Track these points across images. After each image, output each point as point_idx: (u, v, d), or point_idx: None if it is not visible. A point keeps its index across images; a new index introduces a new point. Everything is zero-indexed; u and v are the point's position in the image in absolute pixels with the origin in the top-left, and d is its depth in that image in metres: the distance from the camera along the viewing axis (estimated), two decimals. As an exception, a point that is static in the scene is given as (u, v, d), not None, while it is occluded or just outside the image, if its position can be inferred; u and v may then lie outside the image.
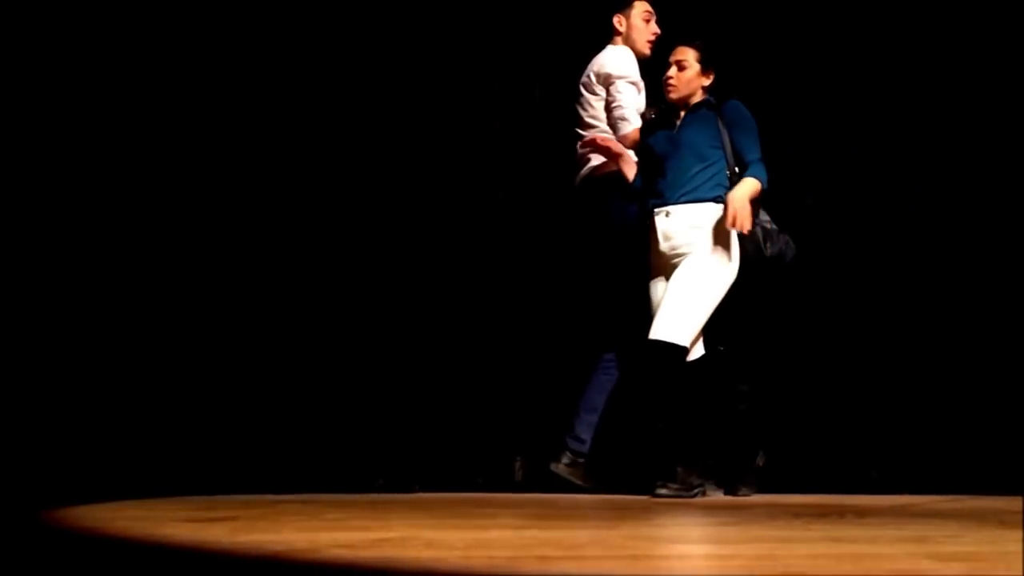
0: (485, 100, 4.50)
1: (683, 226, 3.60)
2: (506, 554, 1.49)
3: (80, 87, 4.16)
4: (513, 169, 4.47)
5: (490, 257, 4.36)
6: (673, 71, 3.73)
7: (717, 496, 3.48)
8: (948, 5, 4.09)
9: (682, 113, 3.75)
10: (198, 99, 4.28)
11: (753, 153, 3.61)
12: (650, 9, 3.97)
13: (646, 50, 3.94)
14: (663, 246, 3.62)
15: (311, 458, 4.02)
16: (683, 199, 3.62)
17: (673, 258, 3.60)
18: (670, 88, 3.71)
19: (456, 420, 4.22)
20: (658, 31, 3.95)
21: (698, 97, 3.73)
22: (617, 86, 3.83)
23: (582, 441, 3.67)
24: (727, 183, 3.63)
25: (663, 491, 3.32)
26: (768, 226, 3.60)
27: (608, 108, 3.84)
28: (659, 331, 3.49)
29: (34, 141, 4.10)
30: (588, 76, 3.90)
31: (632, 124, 3.80)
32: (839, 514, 2.36)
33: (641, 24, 3.95)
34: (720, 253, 3.56)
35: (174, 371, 4.11)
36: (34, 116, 4.10)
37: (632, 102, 3.83)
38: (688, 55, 3.72)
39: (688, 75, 3.71)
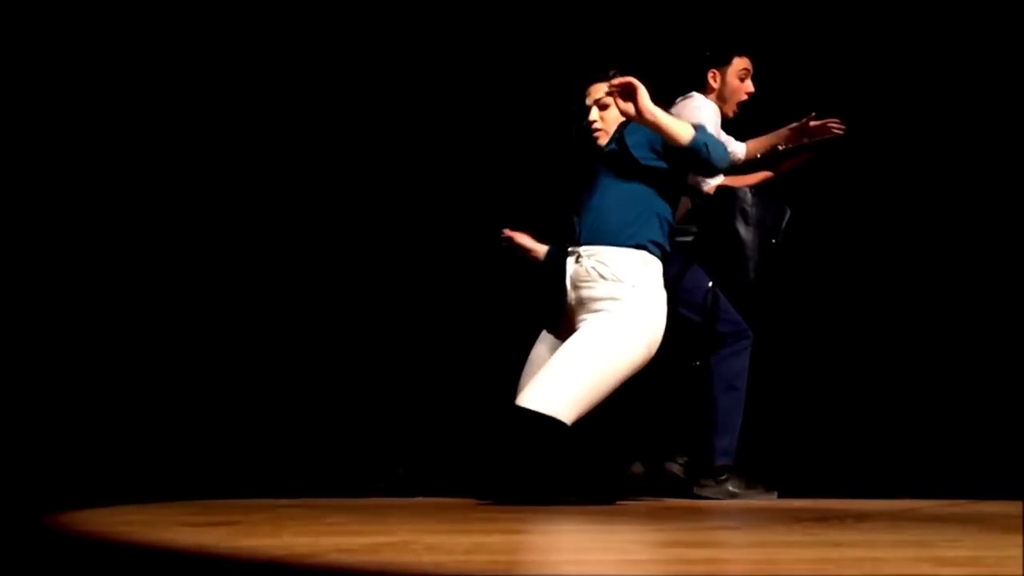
0: (486, 105, 4.50)
1: (594, 275, 2.96)
2: (506, 558, 1.49)
3: (80, 87, 4.16)
4: (518, 171, 4.46)
5: (494, 262, 4.37)
6: (595, 113, 3.15)
7: (771, 498, 3.48)
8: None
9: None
10: (198, 100, 4.29)
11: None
12: (749, 67, 3.64)
13: (731, 114, 3.65)
14: (570, 296, 3.01)
15: (312, 462, 4.02)
16: (598, 240, 3.00)
17: (579, 313, 2.98)
18: (597, 134, 3.16)
19: (457, 423, 4.22)
20: (752, 90, 3.64)
21: None
22: None
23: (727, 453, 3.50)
24: (666, 224, 3.02)
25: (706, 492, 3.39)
26: (748, 208, 3.37)
27: None
28: (533, 398, 2.78)
29: (34, 141, 4.11)
30: None
31: (716, 179, 3.49)
32: (839, 518, 2.35)
33: (736, 84, 3.63)
34: (638, 319, 2.90)
35: (174, 375, 4.11)
36: (34, 116, 4.11)
37: None
38: (606, 91, 3.10)
39: (615, 114, 3.09)
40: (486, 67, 4.42)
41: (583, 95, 3.20)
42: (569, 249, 3.07)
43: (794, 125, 3.70)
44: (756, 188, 3.54)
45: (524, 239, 3.51)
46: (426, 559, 1.42)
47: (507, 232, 3.54)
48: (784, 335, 4.02)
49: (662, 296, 2.99)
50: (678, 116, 3.43)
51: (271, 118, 4.35)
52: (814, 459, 3.90)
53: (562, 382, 2.80)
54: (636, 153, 3.04)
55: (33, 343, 4.01)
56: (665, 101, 3.58)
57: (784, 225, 3.46)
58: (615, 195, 3.03)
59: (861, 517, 2.40)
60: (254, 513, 2.44)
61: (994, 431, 3.78)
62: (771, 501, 3.42)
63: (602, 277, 2.94)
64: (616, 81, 2.87)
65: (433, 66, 4.43)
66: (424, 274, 4.32)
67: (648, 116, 2.84)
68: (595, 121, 3.15)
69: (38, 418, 3.91)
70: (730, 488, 3.47)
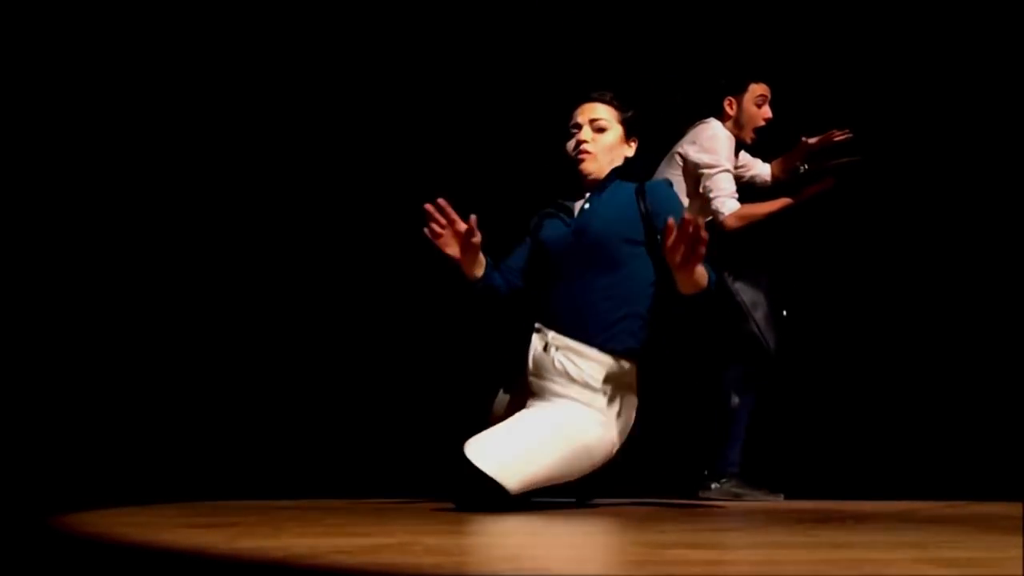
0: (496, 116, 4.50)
1: (560, 369, 2.59)
2: (506, 560, 1.49)
3: (80, 87, 4.18)
4: (521, 176, 4.47)
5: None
6: (587, 133, 2.76)
7: (776, 500, 3.49)
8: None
9: (587, 195, 2.76)
10: (197, 100, 4.30)
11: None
12: (766, 93, 3.61)
13: (748, 140, 3.64)
14: (531, 377, 2.65)
15: (312, 464, 4.03)
16: (575, 334, 2.60)
17: (539, 399, 2.62)
18: (584, 156, 2.75)
19: (458, 426, 4.22)
20: (770, 116, 3.62)
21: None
22: (707, 177, 3.46)
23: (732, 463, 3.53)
24: (655, 325, 2.62)
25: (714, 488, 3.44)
26: (736, 300, 3.34)
27: (703, 198, 3.50)
28: (485, 457, 2.40)
29: (34, 141, 4.12)
30: (682, 148, 3.56)
31: (729, 208, 3.43)
32: (839, 520, 2.35)
33: (753, 111, 3.61)
34: (604, 424, 2.57)
35: (174, 377, 4.12)
36: (34, 116, 4.12)
37: (727, 188, 3.48)
38: (606, 113, 2.79)
39: (609, 140, 2.78)
40: (496, 85, 4.43)
41: (575, 112, 2.89)
42: (536, 325, 2.68)
43: (798, 146, 3.71)
44: (739, 263, 3.48)
45: (479, 237, 2.75)
46: (425, 560, 1.42)
47: (473, 221, 2.72)
48: (784, 338, 4.02)
49: (632, 403, 2.66)
50: (692, 142, 3.50)
51: (269, 123, 4.36)
52: (815, 461, 3.90)
53: (522, 459, 2.45)
54: (623, 227, 2.68)
55: (34, 344, 4.02)
56: (680, 128, 3.61)
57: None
58: (605, 281, 2.65)
59: (861, 518, 2.40)
60: (253, 514, 2.44)
61: (994, 432, 3.79)
62: (772, 503, 3.43)
63: (570, 378, 2.60)
64: (699, 231, 2.30)
65: (433, 69, 4.44)
66: (422, 275, 4.32)
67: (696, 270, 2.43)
68: (586, 141, 2.78)
69: (40, 420, 3.92)
70: (734, 490, 3.49)
